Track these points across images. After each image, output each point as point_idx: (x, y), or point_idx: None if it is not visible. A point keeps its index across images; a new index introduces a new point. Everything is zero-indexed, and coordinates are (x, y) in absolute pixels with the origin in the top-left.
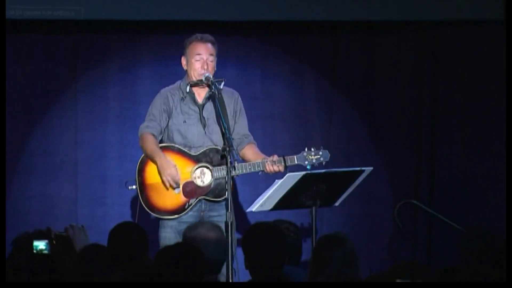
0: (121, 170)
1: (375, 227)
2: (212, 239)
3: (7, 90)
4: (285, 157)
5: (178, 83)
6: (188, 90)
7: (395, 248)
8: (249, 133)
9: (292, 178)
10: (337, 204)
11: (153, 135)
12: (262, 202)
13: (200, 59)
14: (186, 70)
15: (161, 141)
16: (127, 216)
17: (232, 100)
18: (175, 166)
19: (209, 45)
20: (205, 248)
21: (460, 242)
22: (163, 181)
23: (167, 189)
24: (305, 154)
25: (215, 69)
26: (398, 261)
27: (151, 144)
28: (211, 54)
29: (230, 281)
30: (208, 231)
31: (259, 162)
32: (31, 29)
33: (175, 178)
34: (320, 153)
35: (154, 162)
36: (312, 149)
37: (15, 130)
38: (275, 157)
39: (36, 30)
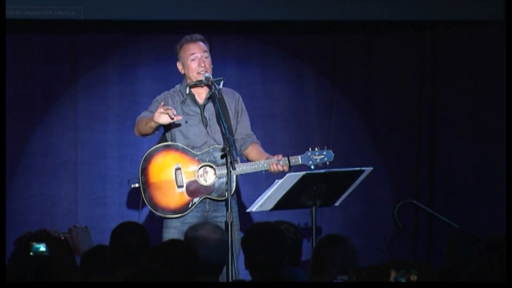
0: (121, 170)
1: (375, 227)
2: (213, 240)
3: (7, 90)
4: (289, 157)
5: (177, 87)
6: (187, 91)
7: (395, 248)
8: (252, 133)
9: (292, 178)
10: (337, 204)
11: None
12: (262, 202)
13: (195, 58)
14: (184, 74)
15: (164, 141)
16: (127, 216)
17: (233, 101)
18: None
19: (200, 43)
20: (205, 250)
21: (447, 244)
22: (163, 123)
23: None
24: (309, 154)
25: (212, 65)
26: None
27: (143, 119)
28: (205, 51)
29: (231, 281)
30: (209, 232)
31: (263, 162)
32: (31, 29)
33: (162, 107)
34: (324, 153)
35: (153, 123)
36: (316, 149)
37: (15, 130)
38: (280, 157)
39: (36, 30)
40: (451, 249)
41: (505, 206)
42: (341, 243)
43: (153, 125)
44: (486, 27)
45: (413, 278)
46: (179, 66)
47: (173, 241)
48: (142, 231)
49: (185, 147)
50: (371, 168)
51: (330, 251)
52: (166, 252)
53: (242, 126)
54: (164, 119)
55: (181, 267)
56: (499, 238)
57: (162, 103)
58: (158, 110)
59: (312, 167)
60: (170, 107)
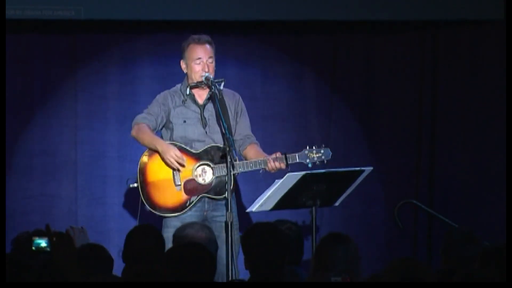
0: (121, 170)
1: (375, 227)
2: (201, 239)
3: (7, 90)
4: (287, 155)
5: (177, 86)
6: (188, 92)
7: (395, 248)
8: (251, 133)
9: (292, 178)
10: (337, 204)
11: (149, 127)
12: (262, 202)
13: (200, 63)
14: (186, 73)
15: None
16: (126, 216)
17: (233, 101)
18: (175, 147)
19: (207, 46)
20: None
21: (442, 244)
22: (167, 165)
23: (173, 178)
24: (306, 152)
25: (215, 69)
26: (396, 258)
27: (148, 133)
28: (210, 57)
29: (230, 280)
30: (197, 231)
31: (261, 160)
32: (31, 29)
33: (178, 155)
34: (322, 151)
35: (155, 149)
36: (314, 147)
37: (15, 130)
38: (278, 154)
39: (36, 30)
40: (447, 249)
41: (505, 206)
42: (343, 242)
43: (154, 148)
44: (486, 27)
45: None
46: (183, 64)
47: (190, 244)
48: (157, 235)
49: (182, 145)
50: (371, 168)
51: (332, 250)
52: (184, 254)
53: (241, 127)
54: (169, 160)
55: (199, 269)
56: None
57: (184, 159)
58: (176, 155)
59: (310, 165)
60: (184, 164)
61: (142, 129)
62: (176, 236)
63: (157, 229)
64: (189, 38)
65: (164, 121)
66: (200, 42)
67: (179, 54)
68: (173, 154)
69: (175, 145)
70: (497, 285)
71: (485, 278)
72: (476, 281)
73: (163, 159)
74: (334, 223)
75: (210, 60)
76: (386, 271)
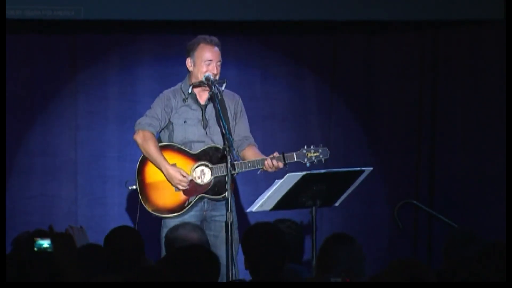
0: (121, 170)
1: (375, 227)
2: (193, 239)
3: (7, 90)
4: (285, 154)
5: (179, 85)
6: (190, 91)
7: (395, 248)
8: (250, 135)
9: (292, 178)
10: (337, 204)
11: (154, 135)
12: (262, 202)
13: (210, 64)
14: (191, 72)
15: (160, 140)
16: (126, 216)
17: (233, 102)
18: (179, 169)
19: (217, 48)
20: None
21: (444, 244)
22: (178, 188)
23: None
24: (304, 151)
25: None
26: (396, 259)
27: (154, 150)
28: (219, 60)
29: (230, 280)
30: (189, 231)
31: (259, 160)
32: (31, 29)
33: (184, 181)
34: (320, 150)
35: (159, 169)
36: (312, 147)
37: (15, 130)
38: (276, 154)
39: (36, 30)
40: (449, 249)
41: (505, 206)
42: (346, 242)
43: (157, 167)
44: (486, 27)
45: None
46: (189, 62)
47: (196, 246)
48: (136, 236)
49: (180, 146)
50: (371, 168)
51: (335, 250)
52: (190, 257)
53: (240, 128)
54: (176, 186)
55: (204, 272)
56: (499, 243)
57: (188, 179)
58: (180, 180)
59: (308, 164)
60: (188, 186)
61: (148, 141)
62: (168, 236)
63: (136, 230)
64: (199, 37)
65: (166, 123)
66: (211, 43)
67: (180, 55)
68: (178, 183)
69: (173, 147)
70: (497, 285)
71: (485, 278)
72: (476, 281)
73: (169, 181)
74: (334, 223)
75: (219, 63)
76: (386, 272)
